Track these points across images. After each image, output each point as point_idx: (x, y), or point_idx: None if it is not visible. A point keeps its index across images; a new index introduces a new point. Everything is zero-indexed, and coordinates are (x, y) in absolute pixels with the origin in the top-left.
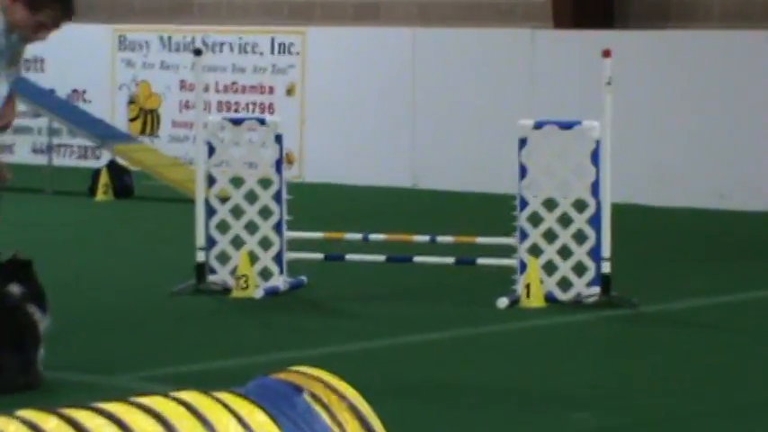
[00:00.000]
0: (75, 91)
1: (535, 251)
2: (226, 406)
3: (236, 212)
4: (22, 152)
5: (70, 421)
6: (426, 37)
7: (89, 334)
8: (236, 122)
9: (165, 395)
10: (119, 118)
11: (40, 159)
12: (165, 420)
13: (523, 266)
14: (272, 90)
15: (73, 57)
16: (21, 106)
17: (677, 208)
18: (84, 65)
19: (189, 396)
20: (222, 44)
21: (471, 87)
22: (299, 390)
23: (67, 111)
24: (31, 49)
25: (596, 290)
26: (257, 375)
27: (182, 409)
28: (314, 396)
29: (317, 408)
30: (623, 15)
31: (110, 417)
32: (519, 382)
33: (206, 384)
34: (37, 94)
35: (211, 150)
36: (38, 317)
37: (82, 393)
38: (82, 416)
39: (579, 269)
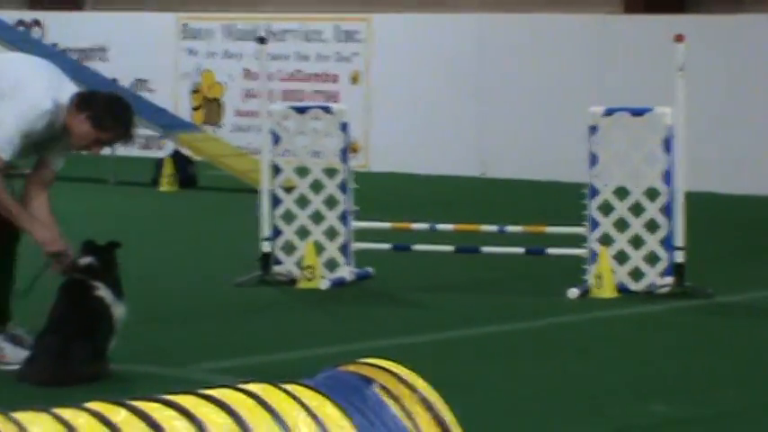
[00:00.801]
0: (138, 80)
1: (606, 241)
2: (295, 398)
3: (302, 202)
4: None
5: (139, 413)
6: (493, 23)
7: (154, 325)
8: (301, 111)
9: (234, 387)
10: (182, 107)
11: (104, 150)
12: (234, 412)
13: (594, 256)
14: (336, 78)
15: (136, 46)
16: None
17: (751, 196)
18: (148, 54)
19: (258, 388)
20: (286, 32)
21: (540, 74)
22: (369, 381)
23: (131, 100)
24: (95, 39)
25: (669, 280)
26: (325, 367)
27: (251, 401)
28: (384, 388)
29: (388, 400)
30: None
31: (179, 409)
32: (591, 374)
33: (273, 376)
34: (100, 84)
35: (276, 140)
36: (110, 300)
37: (148, 385)
38: (151, 408)
39: (651, 259)
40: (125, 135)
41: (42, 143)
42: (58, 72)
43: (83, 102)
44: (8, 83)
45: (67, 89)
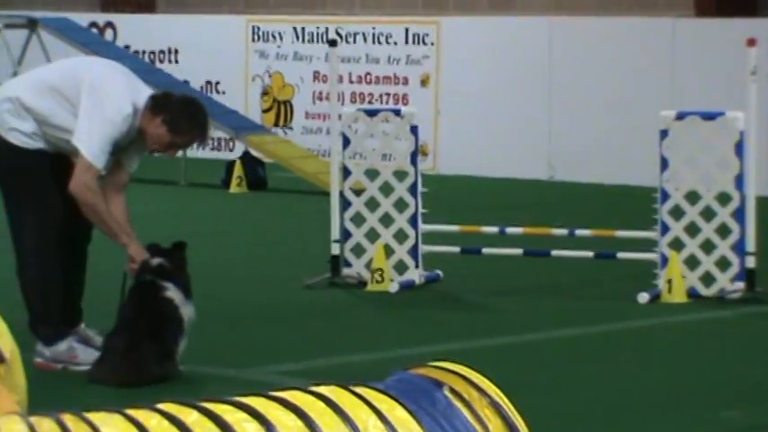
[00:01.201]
0: (208, 82)
1: (677, 245)
2: (365, 401)
3: (371, 205)
4: None
5: (211, 415)
6: (563, 26)
7: (224, 326)
8: (371, 114)
9: (304, 389)
10: (252, 109)
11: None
12: (305, 415)
13: (665, 261)
14: (405, 81)
15: (207, 48)
16: None
17: None
18: (218, 56)
19: (328, 390)
20: (356, 34)
21: (610, 77)
22: (439, 385)
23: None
24: (166, 42)
25: (741, 285)
26: (394, 370)
27: (321, 404)
28: (454, 392)
29: (458, 404)
30: None
31: (250, 411)
32: (661, 379)
33: (343, 378)
34: (171, 86)
35: (346, 142)
36: (179, 301)
37: (217, 386)
38: (222, 410)
39: (723, 264)
40: (200, 138)
41: (121, 146)
42: (132, 74)
43: (157, 105)
44: (88, 89)
45: (143, 91)
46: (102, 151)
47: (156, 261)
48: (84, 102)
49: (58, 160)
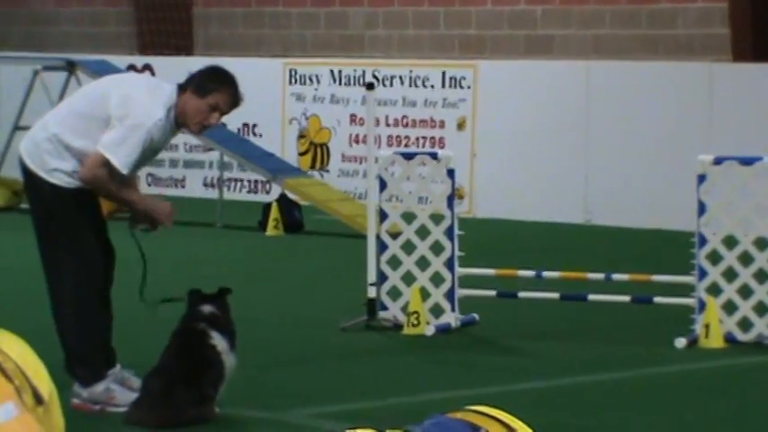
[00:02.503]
0: (245, 125)
1: (714, 290)
2: None
3: (408, 248)
4: (194, 186)
5: None
6: (601, 70)
7: (260, 368)
8: (408, 157)
9: None
10: (289, 152)
11: (211, 193)
12: None
13: (702, 306)
14: (442, 124)
15: (244, 90)
16: (193, 140)
17: None
18: (255, 99)
19: None
20: (393, 77)
21: (648, 122)
22: (476, 429)
23: (238, 145)
24: None
25: None
26: (431, 413)
27: None
28: None
29: None
30: None
31: None
32: (698, 426)
33: (378, 422)
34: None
35: (382, 185)
36: (222, 348)
37: (254, 429)
38: None
39: (760, 309)
40: (232, 93)
41: (159, 149)
42: (154, 79)
43: (183, 85)
44: (116, 104)
45: (168, 89)
46: (130, 160)
47: (207, 309)
48: (114, 115)
49: (95, 196)
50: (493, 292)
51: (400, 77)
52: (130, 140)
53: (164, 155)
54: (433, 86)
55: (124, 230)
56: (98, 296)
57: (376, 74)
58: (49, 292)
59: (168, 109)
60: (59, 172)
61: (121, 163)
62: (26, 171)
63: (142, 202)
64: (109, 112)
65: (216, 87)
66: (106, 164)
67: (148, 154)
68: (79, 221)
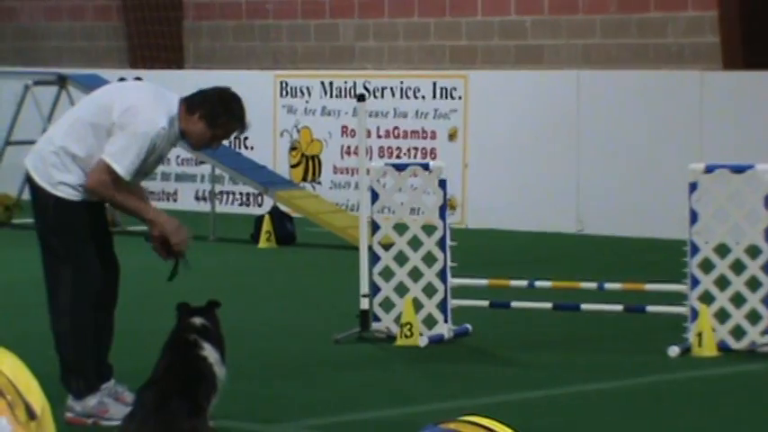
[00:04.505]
0: (236, 138)
1: (707, 298)
2: None
3: (400, 259)
4: (186, 200)
5: None
6: (592, 79)
7: (252, 381)
8: (400, 168)
9: None
10: (280, 164)
11: (203, 207)
12: None
13: (695, 314)
14: (433, 135)
15: None
16: (184, 154)
17: None
18: (247, 111)
19: None
20: (384, 89)
21: (638, 130)
22: None
23: (230, 158)
24: None
25: None
26: (425, 425)
27: None
28: None
29: None
30: None
31: None
32: None
33: None
34: None
35: (374, 196)
36: (213, 360)
37: None
38: None
39: (753, 317)
40: (240, 126)
41: (162, 156)
42: (159, 88)
43: (192, 103)
44: (119, 113)
45: (173, 99)
46: (132, 167)
47: (199, 321)
48: (117, 123)
49: (100, 210)
50: (486, 303)
51: (391, 89)
52: (133, 148)
53: None
54: (424, 97)
55: (130, 244)
56: (95, 309)
57: (367, 85)
58: (48, 303)
59: (171, 118)
60: (65, 185)
61: (124, 170)
62: (33, 185)
63: (149, 212)
64: (113, 120)
65: (226, 121)
66: (110, 171)
67: (152, 162)
68: (82, 234)
